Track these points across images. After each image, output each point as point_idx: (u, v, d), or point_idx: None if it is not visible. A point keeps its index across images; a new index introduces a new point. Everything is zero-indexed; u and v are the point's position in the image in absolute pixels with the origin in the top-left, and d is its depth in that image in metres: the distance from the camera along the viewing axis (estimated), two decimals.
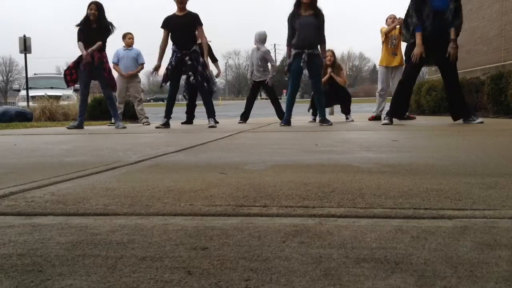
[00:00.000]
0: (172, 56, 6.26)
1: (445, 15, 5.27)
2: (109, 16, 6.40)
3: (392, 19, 7.44)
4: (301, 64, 5.87)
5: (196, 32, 6.26)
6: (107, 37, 6.41)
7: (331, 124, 5.91)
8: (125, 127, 6.47)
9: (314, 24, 5.80)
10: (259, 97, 7.60)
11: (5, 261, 0.85)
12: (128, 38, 8.14)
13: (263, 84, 7.79)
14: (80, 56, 6.28)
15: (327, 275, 0.75)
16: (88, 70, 6.25)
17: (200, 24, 6.19)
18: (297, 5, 5.88)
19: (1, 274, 0.79)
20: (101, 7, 6.33)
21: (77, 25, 6.33)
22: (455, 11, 5.27)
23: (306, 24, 5.79)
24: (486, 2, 10.02)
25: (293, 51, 6.00)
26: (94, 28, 6.28)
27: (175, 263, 0.83)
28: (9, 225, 1.11)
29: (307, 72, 5.98)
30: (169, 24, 6.18)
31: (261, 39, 7.74)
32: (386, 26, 7.52)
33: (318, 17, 5.85)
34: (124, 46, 8.17)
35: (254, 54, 7.76)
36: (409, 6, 5.50)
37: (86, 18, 6.29)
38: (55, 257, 0.87)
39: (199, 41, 6.41)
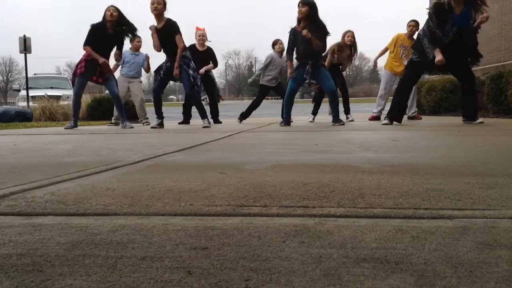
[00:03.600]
0: (165, 62, 6.29)
1: (464, 32, 5.30)
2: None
3: (411, 26, 7.30)
4: (305, 75, 5.93)
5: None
6: (121, 46, 6.38)
7: (343, 124, 5.94)
8: (132, 127, 6.46)
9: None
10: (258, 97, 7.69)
11: (5, 261, 0.85)
12: (136, 42, 7.99)
13: (277, 87, 7.81)
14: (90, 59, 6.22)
15: (327, 275, 0.75)
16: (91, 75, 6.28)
17: (177, 33, 6.06)
18: (299, 21, 5.89)
19: (1, 274, 0.79)
20: (121, 12, 6.18)
21: (92, 26, 6.14)
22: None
23: (304, 40, 5.78)
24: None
25: (296, 62, 6.08)
26: (109, 34, 6.14)
27: (175, 263, 0.83)
28: (9, 225, 1.11)
29: (310, 80, 6.06)
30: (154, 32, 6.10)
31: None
32: (406, 32, 7.42)
33: (319, 31, 5.82)
34: (131, 49, 8.08)
35: (279, 61, 7.67)
36: (424, 27, 5.50)
37: (103, 22, 6.11)
38: (55, 257, 0.87)
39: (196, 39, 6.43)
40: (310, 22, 5.78)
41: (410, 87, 5.92)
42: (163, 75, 6.29)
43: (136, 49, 8.06)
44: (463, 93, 5.72)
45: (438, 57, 5.29)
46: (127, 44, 7.80)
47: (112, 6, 6.17)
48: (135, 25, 6.37)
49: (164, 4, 6.03)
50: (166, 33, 6.04)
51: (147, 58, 8.18)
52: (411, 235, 0.96)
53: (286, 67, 7.55)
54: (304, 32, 5.66)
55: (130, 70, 7.99)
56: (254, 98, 8.29)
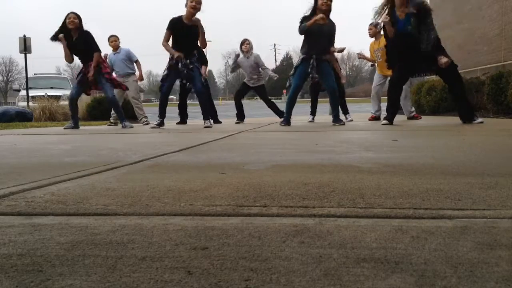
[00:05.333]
0: (171, 60, 6.28)
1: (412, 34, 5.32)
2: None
3: (370, 30, 7.47)
4: (309, 69, 5.88)
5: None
6: (94, 42, 6.38)
7: (344, 124, 5.93)
8: (132, 127, 6.47)
9: (326, 32, 5.78)
10: (258, 97, 7.54)
11: (5, 261, 0.85)
12: (110, 42, 8.03)
13: (256, 88, 7.86)
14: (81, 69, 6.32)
15: (327, 275, 0.75)
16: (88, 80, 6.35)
17: (204, 32, 6.25)
18: (313, 13, 5.85)
19: (1, 274, 0.79)
20: (80, 16, 6.28)
21: (55, 39, 6.23)
22: (426, 31, 5.29)
23: (319, 32, 5.75)
24: (486, 2, 10.01)
25: (301, 56, 6.04)
26: (76, 40, 6.21)
27: (175, 263, 0.83)
28: (9, 225, 1.11)
29: (314, 74, 5.98)
30: (174, 27, 6.14)
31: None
32: (373, 39, 7.56)
33: (331, 26, 5.81)
34: (112, 50, 8.11)
35: (246, 62, 7.73)
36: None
37: (66, 31, 6.19)
38: (55, 257, 0.87)
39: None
40: (328, 16, 5.79)
41: (399, 88, 5.91)
42: (187, 73, 6.28)
43: (115, 48, 8.06)
44: (453, 97, 5.76)
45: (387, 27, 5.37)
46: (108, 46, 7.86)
47: (72, 13, 6.25)
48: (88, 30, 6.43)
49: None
50: (194, 32, 6.16)
51: (138, 65, 8.17)
52: (411, 235, 0.96)
53: (250, 67, 7.61)
54: (320, 17, 5.58)
55: (118, 69, 8.01)
56: (252, 98, 8.43)
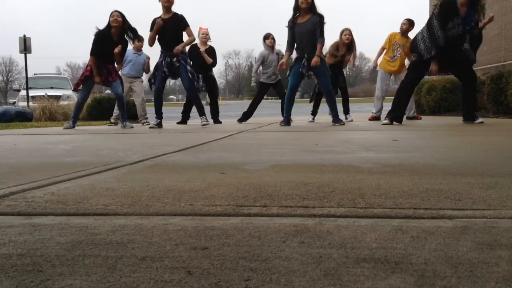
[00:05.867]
0: (160, 58, 6.27)
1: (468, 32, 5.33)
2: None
3: (404, 25, 7.33)
4: (301, 69, 5.88)
5: (184, 33, 6.21)
6: (125, 50, 6.36)
7: (343, 124, 5.92)
8: (132, 127, 6.45)
9: (312, 30, 5.76)
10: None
11: (5, 261, 0.85)
12: (137, 41, 8.01)
13: (276, 84, 7.71)
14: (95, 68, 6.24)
15: (327, 275, 0.75)
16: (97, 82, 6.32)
17: (187, 26, 6.16)
18: (295, 12, 5.87)
19: (1, 274, 0.79)
20: (125, 16, 6.13)
21: (97, 34, 6.06)
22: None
23: (304, 32, 5.77)
24: (486, 2, 10.01)
25: (294, 55, 6.04)
26: (114, 41, 6.07)
27: (175, 263, 0.83)
28: (9, 225, 1.11)
29: (305, 72, 5.96)
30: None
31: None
32: (399, 31, 7.46)
33: (314, 23, 5.78)
34: (133, 49, 8.08)
35: (272, 56, 7.58)
36: (430, 19, 5.44)
37: (107, 28, 6.03)
38: (55, 257, 0.87)
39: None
40: (311, 11, 5.76)
41: (412, 88, 5.93)
42: (168, 72, 6.26)
43: (138, 49, 8.07)
44: (463, 94, 5.72)
45: (433, 67, 5.36)
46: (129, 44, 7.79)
47: (116, 11, 6.12)
48: (135, 27, 6.38)
49: None
50: (173, 25, 6.07)
51: (147, 59, 8.18)
52: (411, 235, 0.96)
53: (275, 61, 7.43)
54: (313, 62, 5.71)
55: (132, 70, 7.99)
56: (252, 98, 8.21)
